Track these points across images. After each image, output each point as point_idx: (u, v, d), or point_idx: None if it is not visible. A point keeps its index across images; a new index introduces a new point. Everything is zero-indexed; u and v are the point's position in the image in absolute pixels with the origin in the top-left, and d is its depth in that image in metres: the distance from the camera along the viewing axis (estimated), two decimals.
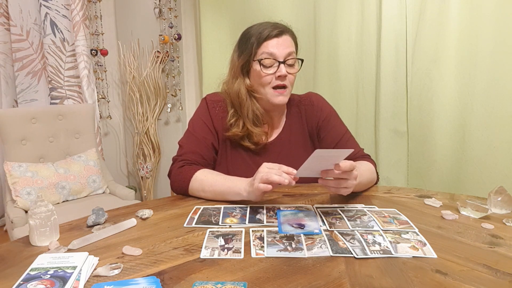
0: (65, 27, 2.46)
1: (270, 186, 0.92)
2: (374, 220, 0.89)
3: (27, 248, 0.78)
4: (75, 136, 2.25)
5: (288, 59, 1.12)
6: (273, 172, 0.91)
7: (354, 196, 1.08)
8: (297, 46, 1.20)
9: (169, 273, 0.67)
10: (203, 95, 1.26)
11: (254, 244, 0.78)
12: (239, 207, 0.99)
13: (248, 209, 0.97)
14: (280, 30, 1.13)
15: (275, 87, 1.13)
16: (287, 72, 1.12)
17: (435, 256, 0.73)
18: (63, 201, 2.01)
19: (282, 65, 1.11)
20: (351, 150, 0.87)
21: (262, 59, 1.12)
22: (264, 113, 1.19)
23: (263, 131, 1.19)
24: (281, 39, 1.12)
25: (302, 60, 1.17)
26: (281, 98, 1.14)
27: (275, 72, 1.11)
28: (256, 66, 1.13)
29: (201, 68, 2.64)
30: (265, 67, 1.12)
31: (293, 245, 0.77)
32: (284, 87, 1.14)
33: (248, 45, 1.14)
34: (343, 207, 0.98)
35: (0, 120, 2.01)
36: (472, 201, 0.95)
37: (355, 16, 1.92)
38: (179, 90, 2.87)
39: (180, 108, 2.90)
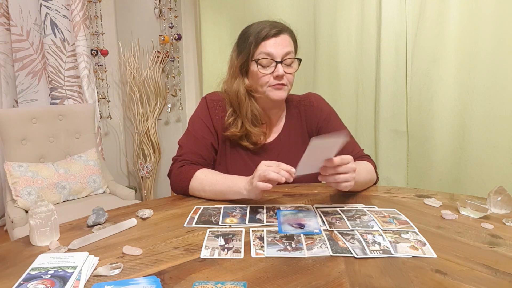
0: (65, 27, 2.46)
1: (269, 185, 0.92)
2: (374, 220, 0.89)
3: (27, 248, 0.78)
4: (75, 136, 2.25)
5: (286, 59, 1.12)
6: (271, 169, 0.92)
7: (354, 196, 1.08)
8: (297, 44, 1.19)
9: (169, 272, 0.68)
10: (203, 95, 1.26)
11: (254, 244, 0.78)
12: (239, 207, 0.99)
13: (248, 209, 0.97)
14: (278, 29, 1.12)
15: (272, 85, 1.13)
16: (285, 71, 1.11)
17: (435, 256, 0.73)
18: (64, 201, 2.01)
19: (279, 65, 1.10)
20: (347, 138, 0.87)
21: (259, 59, 1.11)
22: (263, 113, 1.19)
23: (262, 131, 1.19)
24: (279, 38, 1.12)
25: (300, 60, 1.17)
26: (279, 93, 1.13)
27: (273, 72, 1.11)
28: (254, 66, 1.13)
29: (201, 68, 2.64)
30: (263, 67, 1.12)
31: (293, 245, 0.77)
32: (282, 85, 1.13)
33: (246, 45, 1.14)
34: (343, 207, 0.98)
35: (0, 120, 2.02)
36: (471, 201, 0.95)
37: (355, 16, 1.92)
38: (179, 90, 2.87)
39: (180, 108, 2.90)
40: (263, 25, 1.13)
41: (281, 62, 1.11)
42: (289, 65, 1.13)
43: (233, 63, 1.18)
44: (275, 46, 1.11)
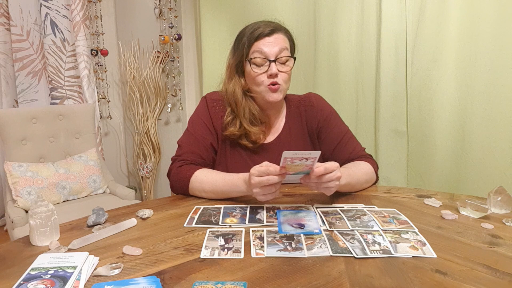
0: (66, 27, 2.46)
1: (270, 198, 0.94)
2: (374, 220, 0.89)
3: (27, 248, 0.78)
4: (75, 136, 2.25)
5: (279, 57, 1.12)
6: (268, 193, 0.92)
7: (354, 196, 1.08)
8: (294, 43, 1.19)
9: (169, 272, 0.68)
10: (203, 95, 1.26)
11: (254, 244, 0.78)
12: (239, 207, 0.99)
13: (248, 209, 0.97)
14: (272, 28, 1.13)
15: (268, 85, 1.13)
16: (278, 70, 1.12)
17: (435, 256, 0.73)
18: (64, 201, 2.01)
19: (273, 64, 1.11)
20: (318, 152, 0.86)
21: (252, 59, 1.12)
22: (261, 112, 1.19)
23: (261, 130, 1.19)
24: (272, 37, 1.12)
25: (295, 58, 1.17)
26: (274, 95, 1.14)
27: (267, 70, 1.12)
28: (248, 66, 1.14)
29: (201, 68, 2.64)
30: (257, 66, 1.12)
31: (293, 245, 0.77)
32: (276, 84, 1.13)
33: (240, 45, 1.15)
34: (343, 207, 0.98)
35: (0, 120, 2.02)
36: (471, 201, 0.95)
37: (355, 16, 1.92)
38: (179, 90, 2.87)
39: (180, 108, 2.90)
40: (257, 25, 1.14)
41: (274, 61, 1.11)
42: (283, 64, 1.13)
43: (229, 64, 1.20)
44: (269, 45, 1.11)
